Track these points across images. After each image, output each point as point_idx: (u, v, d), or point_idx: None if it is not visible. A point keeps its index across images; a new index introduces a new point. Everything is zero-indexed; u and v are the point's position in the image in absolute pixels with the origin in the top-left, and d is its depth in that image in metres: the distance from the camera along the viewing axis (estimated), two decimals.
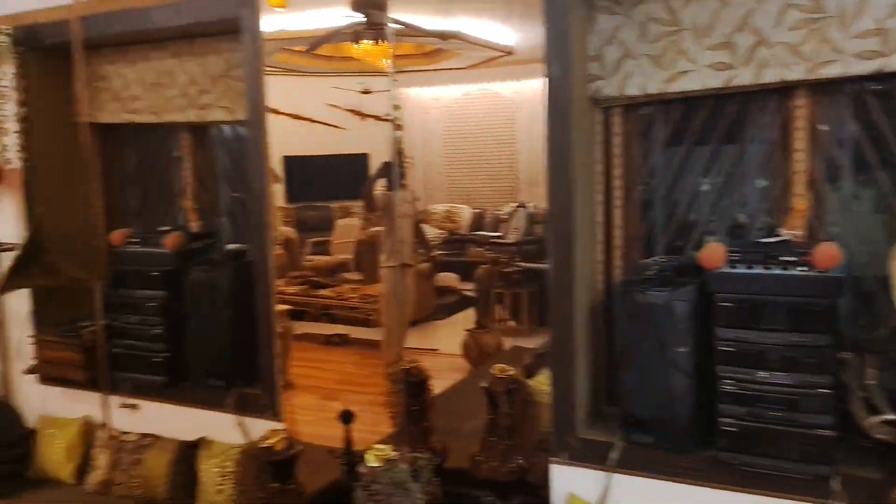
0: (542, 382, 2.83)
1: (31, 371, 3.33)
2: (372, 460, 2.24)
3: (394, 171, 4.16)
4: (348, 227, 6.98)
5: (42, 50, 3.29)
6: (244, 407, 2.99)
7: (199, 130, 3.38)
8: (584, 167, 2.35)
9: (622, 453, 2.29)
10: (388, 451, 2.29)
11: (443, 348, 5.08)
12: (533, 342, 4.87)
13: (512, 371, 2.77)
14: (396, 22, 3.74)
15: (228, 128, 3.38)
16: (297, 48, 5.66)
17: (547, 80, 2.25)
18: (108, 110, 3.32)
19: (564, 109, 2.23)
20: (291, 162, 6.04)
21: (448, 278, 6.05)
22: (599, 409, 2.53)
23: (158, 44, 3.17)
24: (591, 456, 2.33)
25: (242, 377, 3.03)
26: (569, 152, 2.24)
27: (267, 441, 2.43)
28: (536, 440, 2.73)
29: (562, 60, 2.22)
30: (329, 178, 7.06)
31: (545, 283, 2.39)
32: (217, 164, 3.44)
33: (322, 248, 6.86)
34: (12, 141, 3.27)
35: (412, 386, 2.96)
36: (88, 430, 3.26)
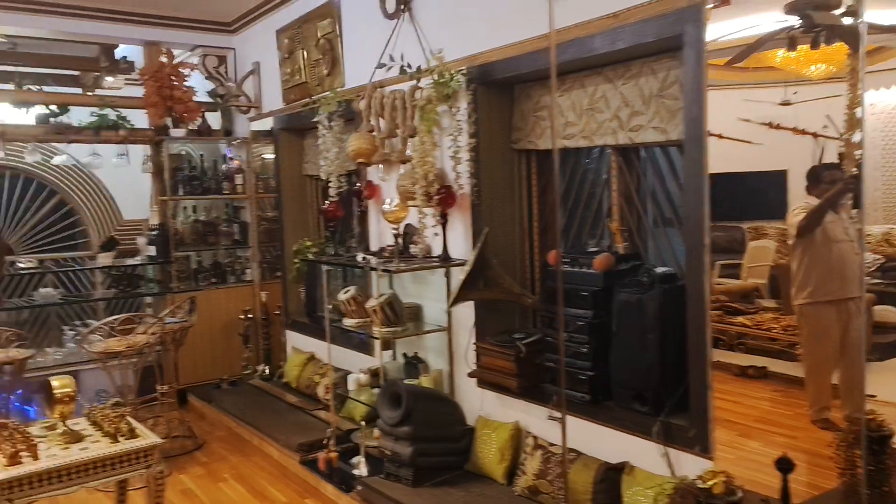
0: None
1: (472, 375, 3.70)
2: None
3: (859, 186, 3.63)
4: (761, 250, 6.45)
5: (490, 85, 3.65)
6: (670, 437, 2.88)
7: (626, 152, 3.40)
8: None
9: None
10: None
11: (882, 395, 4.31)
12: None
13: None
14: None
15: (656, 148, 3.33)
16: (712, 61, 5.41)
17: None
18: (545, 137, 3.53)
19: None
20: None
21: (887, 313, 5.15)
22: None
23: (593, 70, 3.27)
24: None
25: (668, 405, 2.93)
26: None
27: (705, 481, 2.28)
28: None
29: None
30: (741, 197, 6.61)
31: None
32: (643, 186, 3.41)
33: (731, 271, 6.44)
34: (464, 168, 3.68)
35: (870, 441, 2.52)
36: (518, 436, 3.49)
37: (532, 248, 3.79)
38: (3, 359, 4.30)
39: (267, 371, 5.64)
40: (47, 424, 3.52)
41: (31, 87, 5.67)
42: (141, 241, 6.01)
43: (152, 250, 5.84)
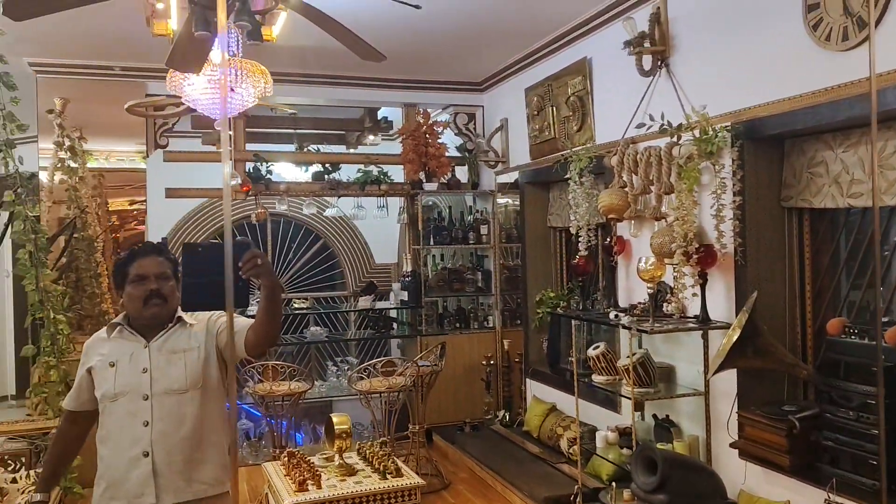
0: None
1: (735, 445, 3.49)
2: None
3: None
4: None
5: (757, 141, 3.49)
6: None
7: None
8: None
9: None
10: None
11: None
12: None
13: None
14: None
15: None
16: None
17: None
18: (823, 195, 3.29)
19: None
20: None
21: None
22: None
23: (883, 124, 3.00)
24: None
25: None
26: None
27: None
28: None
29: None
30: None
31: None
32: None
33: None
34: (728, 227, 3.54)
35: None
36: None
37: (804, 313, 3.52)
38: (286, 391, 4.87)
39: (507, 417, 5.77)
40: (326, 456, 3.91)
41: (309, 148, 6.44)
42: (395, 286, 6.51)
43: (405, 295, 6.30)
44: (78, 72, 5.52)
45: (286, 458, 3.85)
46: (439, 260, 6.58)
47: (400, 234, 8.26)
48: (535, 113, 5.40)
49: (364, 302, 6.36)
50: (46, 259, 4.10)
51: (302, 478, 3.56)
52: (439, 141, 6.21)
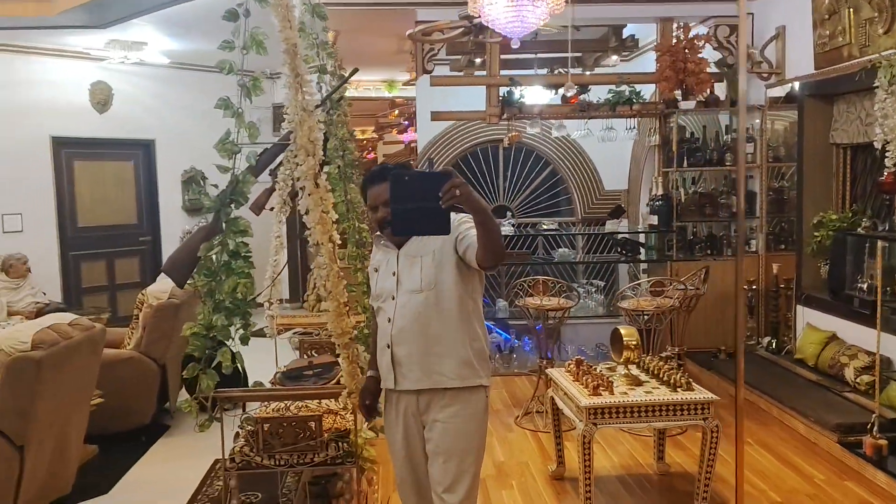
0: None
1: None
2: None
3: None
4: None
5: None
6: None
7: None
8: None
9: None
10: None
11: None
12: None
13: None
14: None
15: None
16: None
17: None
18: None
19: None
20: None
21: None
22: None
23: None
24: None
25: None
26: None
27: None
28: None
29: None
30: None
31: None
32: None
33: None
34: None
35: None
36: None
37: None
38: (555, 305, 5.01)
39: (774, 344, 5.53)
40: (609, 366, 4.01)
41: (560, 70, 6.41)
42: (644, 210, 6.39)
43: (653, 219, 6.16)
44: (356, 2, 5.85)
45: (573, 366, 3.99)
46: (690, 184, 6.33)
47: (631, 160, 8.06)
48: (826, 17, 4.92)
49: (611, 225, 6.33)
50: (353, 174, 4.46)
51: (596, 383, 3.68)
52: (699, 56, 5.90)
